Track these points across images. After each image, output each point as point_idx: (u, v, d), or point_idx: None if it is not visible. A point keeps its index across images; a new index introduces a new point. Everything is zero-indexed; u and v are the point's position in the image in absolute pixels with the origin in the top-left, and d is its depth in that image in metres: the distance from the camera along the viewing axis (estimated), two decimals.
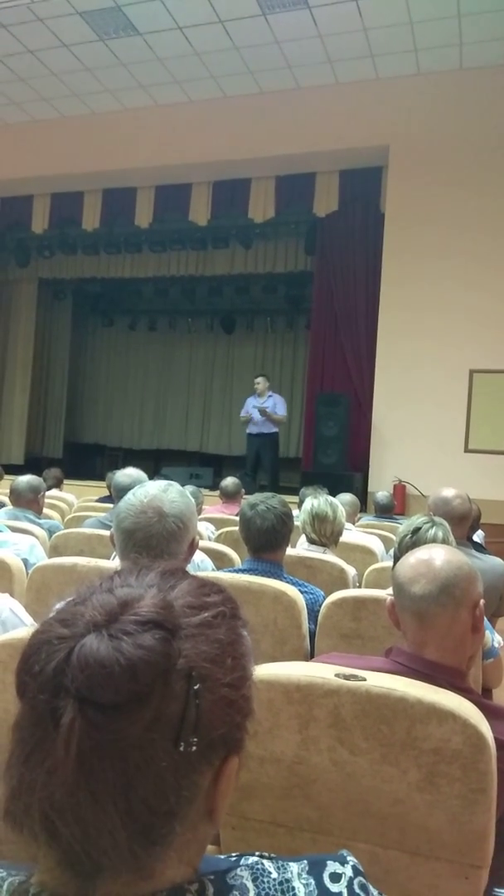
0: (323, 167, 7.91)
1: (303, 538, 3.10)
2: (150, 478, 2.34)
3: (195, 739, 0.50)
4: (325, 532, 2.73)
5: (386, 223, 7.55)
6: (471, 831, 0.95)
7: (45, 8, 6.55)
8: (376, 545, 3.37)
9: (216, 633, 0.54)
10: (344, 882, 0.57)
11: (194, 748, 0.50)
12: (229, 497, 5.15)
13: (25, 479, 3.53)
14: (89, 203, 8.85)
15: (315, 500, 2.78)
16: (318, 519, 2.73)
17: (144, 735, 0.48)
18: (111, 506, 3.70)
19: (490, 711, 1.07)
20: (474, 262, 7.06)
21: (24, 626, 1.48)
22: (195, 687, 0.50)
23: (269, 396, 7.98)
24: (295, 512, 2.57)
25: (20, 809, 0.48)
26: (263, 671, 1.05)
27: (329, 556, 2.63)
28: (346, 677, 1.02)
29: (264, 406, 7.83)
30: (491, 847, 0.97)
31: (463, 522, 2.47)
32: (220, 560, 2.59)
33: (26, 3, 6.46)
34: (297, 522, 2.57)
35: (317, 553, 2.68)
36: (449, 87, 7.14)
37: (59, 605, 0.56)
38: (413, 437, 7.12)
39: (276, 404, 7.92)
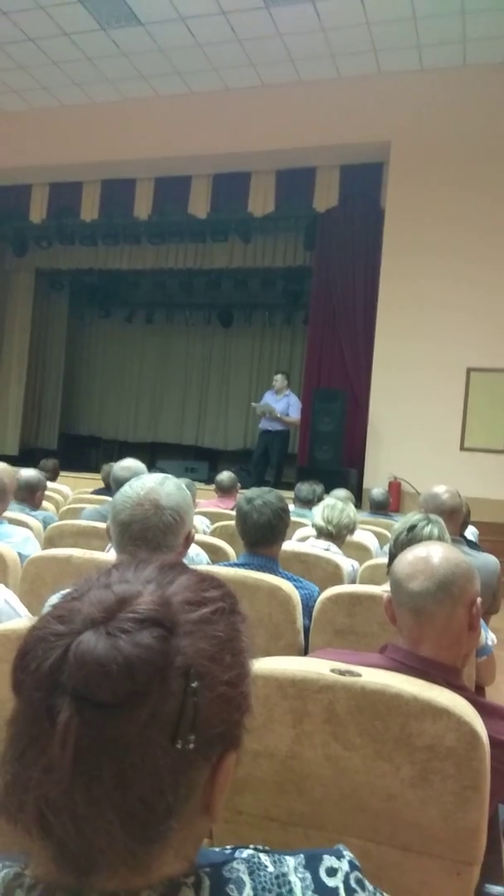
0: (323, 162, 7.89)
1: (303, 531, 3.12)
2: (147, 471, 2.34)
3: (193, 737, 0.49)
4: (332, 521, 2.79)
5: (386, 220, 7.54)
6: (463, 828, 0.96)
7: None
8: (371, 541, 3.38)
9: (215, 629, 0.54)
10: (340, 877, 0.57)
11: (192, 746, 0.49)
12: (225, 491, 5.15)
13: (25, 476, 3.50)
14: (88, 194, 8.80)
15: (333, 499, 2.98)
16: (328, 508, 2.86)
17: (142, 733, 0.47)
18: (105, 498, 3.70)
19: (484, 709, 1.07)
20: (474, 260, 7.06)
21: (19, 618, 1.48)
22: (193, 685, 0.50)
23: (286, 396, 7.94)
24: (290, 507, 2.58)
25: (14, 806, 0.48)
26: (258, 666, 1.04)
27: (331, 554, 2.64)
28: (342, 673, 1.02)
29: (277, 406, 7.81)
30: (483, 844, 0.97)
31: (454, 517, 2.49)
32: (215, 554, 2.59)
33: None
34: (293, 518, 2.59)
35: (320, 548, 2.69)
36: (452, 84, 7.13)
37: (53, 598, 0.56)
38: (409, 434, 7.13)
39: (290, 405, 7.88)
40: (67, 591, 0.56)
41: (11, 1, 6.59)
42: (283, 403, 7.87)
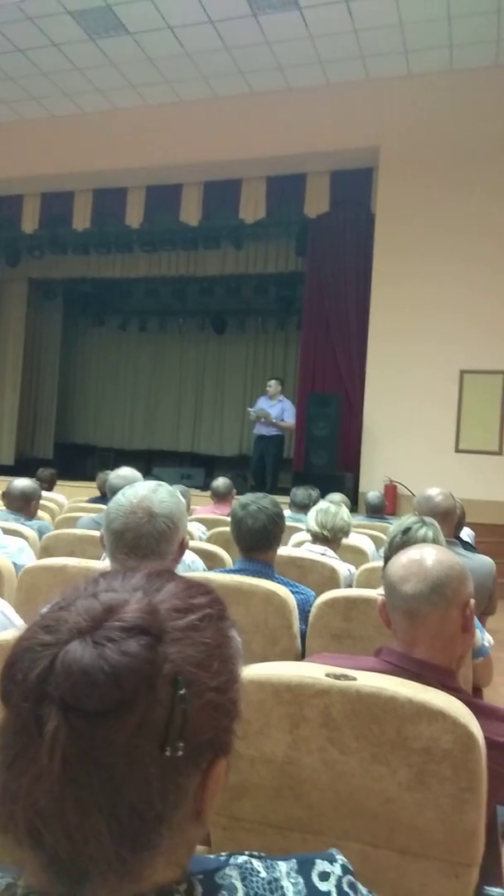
0: (314, 168, 7.93)
1: (298, 536, 3.12)
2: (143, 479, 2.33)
3: (181, 744, 0.49)
4: (326, 525, 2.78)
5: (376, 224, 7.58)
6: (461, 830, 0.96)
7: (35, 7, 6.53)
8: (367, 545, 3.38)
9: (203, 636, 0.53)
10: (333, 881, 0.57)
11: (181, 753, 0.49)
12: (220, 497, 5.14)
13: (20, 485, 3.48)
14: (80, 203, 8.83)
15: (326, 503, 2.98)
16: (321, 512, 2.86)
17: (130, 741, 0.47)
18: (101, 506, 3.69)
19: (480, 710, 1.07)
20: (464, 263, 7.09)
21: (13, 628, 1.47)
22: (181, 692, 0.50)
23: (280, 401, 7.96)
24: (287, 512, 2.58)
25: (4, 816, 0.48)
26: (254, 671, 1.05)
27: (327, 558, 2.64)
28: (337, 677, 1.02)
29: (271, 411, 7.82)
30: (481, 845, 0.97)
31: (448, 518, 2.49)
32: (211, 560, 2.59)
33: (16, 2, 6.43)
34: (289, 523, 2.60)
35: (316, 553, 2.69)
36: (439, 89, 7.18)
37: (45, 609, 0.56)
38: (404, 437, 7.14)
39: (285, 410, 7.90)
40: (56, 601, 0.56)
41: (0, 12, 6.62)
42: (277, 409, 7.88)
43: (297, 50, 6.93)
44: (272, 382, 8.12)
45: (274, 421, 7.80)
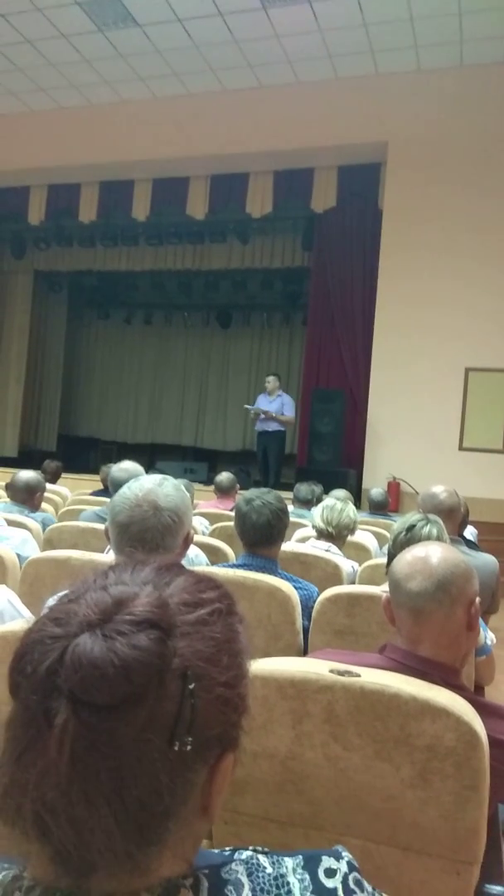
0: (321, 163, 7.90)
1: (302, 531, 3.12)
2: (145, 472, 2.33)
3: (190, 739, 0.49)
4: (332, 522, 2.78)
5: (384, 220, 7.55)
6: (463, 828, 0.96)
7: None
8: (370, 542, 3.38)
9: (212, 630, 0.53)
10: (339, 877, 0.57)
11: (189, 747, 0.49)
12: (224, 492, 5.15)
13: (25, 477, 3.48)
14: (86, 195, 8.82)
15: (332, 500, 2.97)
16: (327, 509, 2.85)
17: (139, 735, 0.47)
18: (104, 499, 3.69)
19: (483, 708, 1.07)
20: (471, 260, 7.06)
21: (21, 619, 1.48)
22: (190, 686, 0.50)
23: (279, 396, 7.95)
24: (290, 508, 2.58)
25: (12, 808, 0.48)
26: (258, 666, 1.04)
27: (331, 554, 2.63)
28: (341, 673, 1.02)
29: (270, 407, 7.81)
30: (482, 843, 0.97)
31: (452, 516, 2.49)
32: (214, 555, 2.59)
33: None
34: (292, 519, 2.60)
35: (320, 549, 2.69)
36: (449, 84, 7.13)
37: (51, 601, 0.55)
38: (408, 434, 7.13)
39: (284, 405, 7.88)
40: (64, 592, 0.56)
41: (9, 3, 6.59)
42: (276, 404, 7.86)
43: (307, 43, 6.89)
44: (270, 378, 8.09)
45: (273, 415, 7.79)
